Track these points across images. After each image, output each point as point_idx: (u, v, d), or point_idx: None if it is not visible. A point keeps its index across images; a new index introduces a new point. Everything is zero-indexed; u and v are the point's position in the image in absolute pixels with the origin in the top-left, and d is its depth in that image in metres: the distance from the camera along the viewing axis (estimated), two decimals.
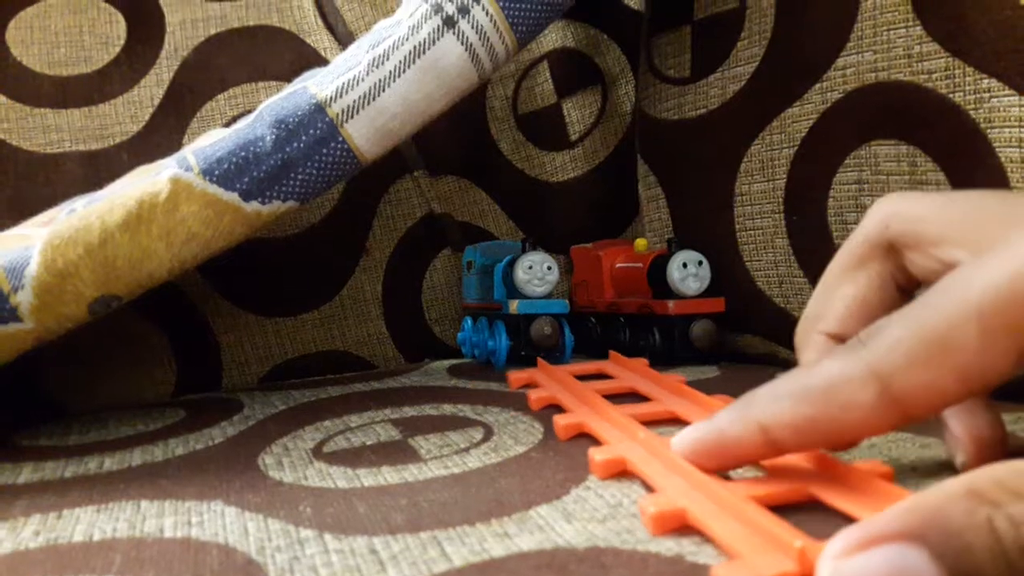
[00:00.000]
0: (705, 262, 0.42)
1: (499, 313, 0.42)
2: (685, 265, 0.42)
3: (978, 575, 0.14)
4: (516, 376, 0.37)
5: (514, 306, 0.41)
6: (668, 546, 0.20)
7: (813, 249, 0.40)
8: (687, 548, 0.20)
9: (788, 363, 0.42)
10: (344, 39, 0.49)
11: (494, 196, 0.50)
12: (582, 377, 0.35)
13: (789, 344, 0.42)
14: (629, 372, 0.36)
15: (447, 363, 0.46)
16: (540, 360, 0.39)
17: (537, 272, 0.41)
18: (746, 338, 0.44)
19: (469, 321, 0.46)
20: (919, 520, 0.15)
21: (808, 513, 0.21)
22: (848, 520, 0.21)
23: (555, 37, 0.50)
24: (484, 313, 0.44)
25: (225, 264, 0.39)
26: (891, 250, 0.23)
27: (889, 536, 0.15)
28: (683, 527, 0.21)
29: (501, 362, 0.42)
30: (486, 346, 0.43)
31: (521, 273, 0.41)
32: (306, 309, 0.47)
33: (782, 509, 0.21)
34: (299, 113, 0.32)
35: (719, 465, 0.22)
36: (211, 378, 0.45)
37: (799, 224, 0.40)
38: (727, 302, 0.42)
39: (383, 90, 0.32)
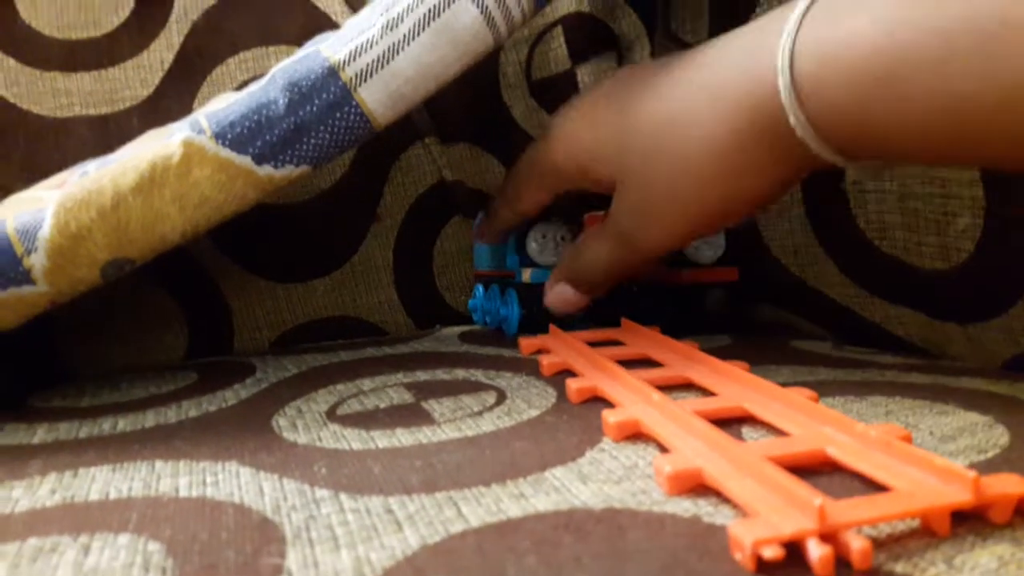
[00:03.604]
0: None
1: (511, 281, 0.42)
2: None
3: (577, 283, 0.37)
4: (528, 342, 0.37)
5: (527, 275, 0.40)
6: (685, 507, 0.20)
7: (829, 218, 0.39)
8: (704, 509, 0.20)
9: (802, 332, 0.42)
10: (355, 2, 0.48)
11: (506, 163, 0.50)
12: (594, 344, 0.35)
13: (804, 313, 0.42)
14: (641, 339, 0.36)
15: (458, 329, 0.46)
16: (552, 326, 0.38)
17: (551, 241, 0.41)
18: (760, 307, 0.44)
19: (480, 288, 0.46)
20: (561, 272, 0.38)
21: (825, 475, 0.21)
22: (865, 482, 0.21)
23: (570, 1, 0.49)
24: (496, 280, 0.44)
25: (235, 229, 0.39)
26: None
27: (554, 281, 0.38)
28: (699, 487, 0.21)
29: (513, 330, 0.42)
30: (498, 313, 0.43)
31: (534, 243, 0.40)
32: (317, 275, 0.47)
33: (798, 472, 0.20)
34: (312, 77, 0.32)
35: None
36: (222, 342, 0.45)
37: (815, 192, 0.40)
38: (741, 270, 0.42)
39: (397, 53, 0.32)
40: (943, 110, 0.23)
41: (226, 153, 0.31)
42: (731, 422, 0.26)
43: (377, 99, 0.32)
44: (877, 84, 0.24)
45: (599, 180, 0.34)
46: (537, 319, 0.40)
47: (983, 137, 0.23)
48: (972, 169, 0.33)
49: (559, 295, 0.37)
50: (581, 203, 0.41)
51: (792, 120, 0.26)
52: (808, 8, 0.26)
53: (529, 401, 0.29)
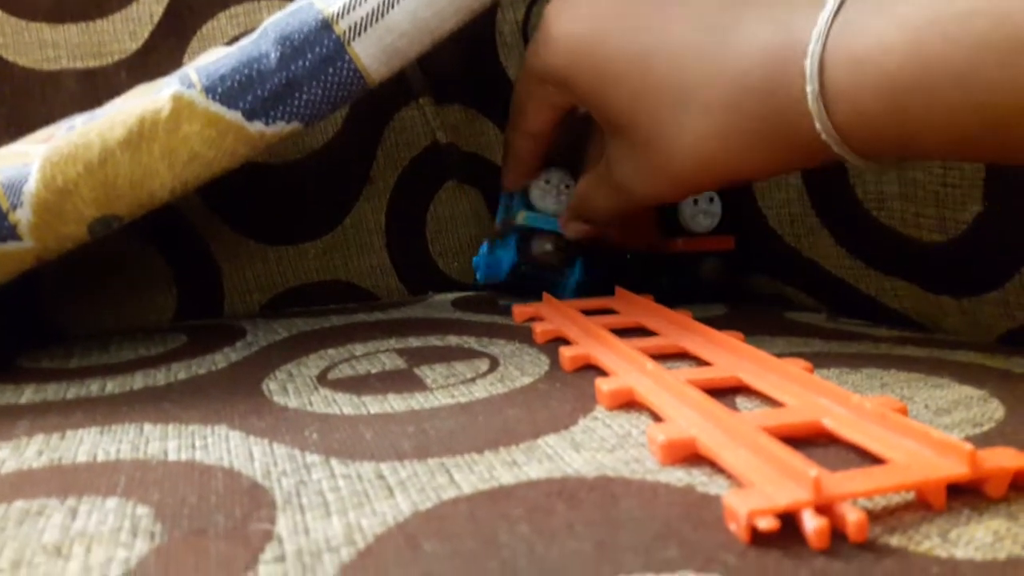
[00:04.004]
0: (716, 198, 0.41)
1: (513, 226, 0.40)
2: (696, 201, 0.41)
3: (596, 219, 0.37)
4: (521, 310, 0.37)
5: (521, 217, 0.39)
6: (678, 476, 0.20)
7: (826, 188, 0.39)
8: (698, 478, 0.20)
9: (796, 303, 0.42)
10: None
11: (501, 126, 0.49)
12: (588, 312, 0.35)
13: (799, 284, 0.42)
14: (635, 308, 0.36)
15: (451, 296, 0.46)
16: (546, 294, 0.38)
17: (553, 188, 0.39)
18: (756, 277, 0.44)
19: (486, 245, 0.43)
20: (575, 203, 0.37)
21: (820, 447, 0.21)
22: (861, 454, 0.20)
23: None
24: (505, 231, 0.42)
25: (225, 188, 0.39)
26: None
27: (568, 216, 0.38)
28: (693, 457, 0.21)
29: (503, 273, 0.40)
30: (497, 263, 0.41)
31: (537, 188, 0.39)
32: (308, 238, 0.46)
33: (793, 443, 0.20)
34: (305, 30, 0.31)
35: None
36: (213, 304, 0.45)
37: None
38: (737, 240, 0.42)
39: (392, 7, 0.31)
40: (970, 117, 0.23)
41: (216, 108, 0.30)
42: (725, 392, 0.26)
43: (371, 54, 0.31)
44: (905, 94, 0.24)
45: (600, 108, 0.32)
46: (526, 266, 0.39)
47: (1009, 139, 0.23)
48: None
49: (576, 227, 0.38)
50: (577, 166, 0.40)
51: (818, 126, 0.26)
52: (837, 9, 0.25)
53: (522, 368, 0.29)
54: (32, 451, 0.23)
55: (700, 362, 0.29)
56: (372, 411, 0.25)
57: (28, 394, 0.30)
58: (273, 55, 0.31)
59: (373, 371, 0.30)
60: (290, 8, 0.33)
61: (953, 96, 0.23)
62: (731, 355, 0.28)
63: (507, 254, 0.40)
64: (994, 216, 0.33)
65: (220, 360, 0.33)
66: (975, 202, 0.33)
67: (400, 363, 0.30)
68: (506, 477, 0.20)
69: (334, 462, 0.21)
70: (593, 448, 0.22)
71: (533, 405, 0.25)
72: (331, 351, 0.33)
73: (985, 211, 0.33)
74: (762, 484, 0.18)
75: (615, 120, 0.31)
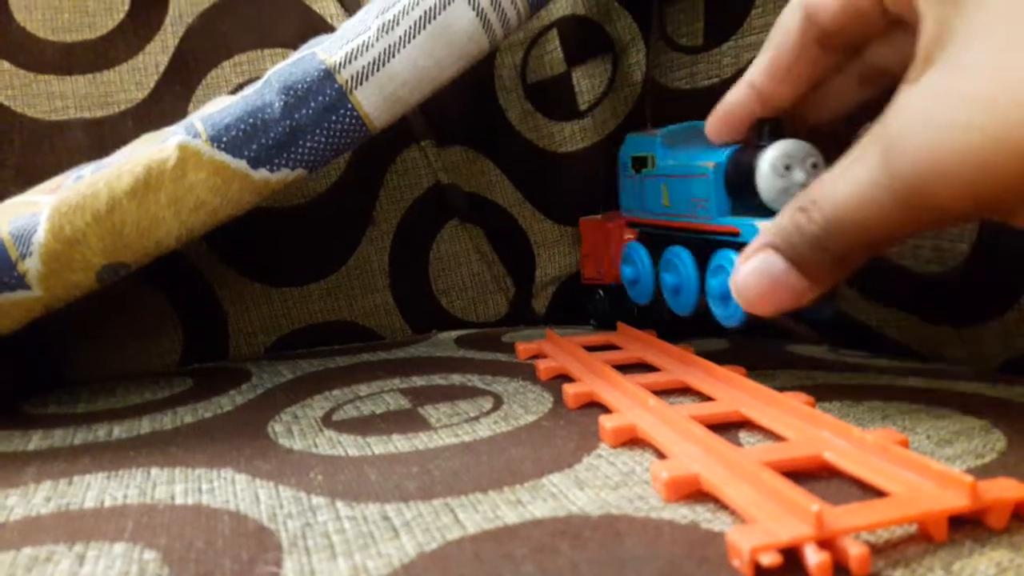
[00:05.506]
0: None
1: (725, 240, 0.27)
2: None
3: (801, 252, 0.23)
4: (524, 347, 0.37)
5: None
6: (683, 513, 0.20)
7: None
8: (702, 515, 0.20)
9: (797, 336, 0.42)
10: (351, 5, 0.48)
11: (502, 167, 0.50)
12: (590, 348, 0.35)
13: (798, 316, 0.42)
14: (638, 343, 0.36)
15: (455, 334, 0.46)
16: (548, 331, 0.38)
17: (798, 171, 0.25)
18: None
19: (642, 251, 0.31)
20: (772, 234, 0.24)
21: (822, 480, 0.21)
22: (862, 487, 0.21)
23: (565, 4, 0.49)
24: (676, 238, 0.29)
25: (230, 233, 0.39)
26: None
27: (756, 248, 0.24)
28: (697, 493, 0.21)
29: (739, 317, 0.27)
30: (693, 287, 0.29)
31: (770, 170, 0.25)
32: (312, 279, 0.47)
33: (795, 477, 0.20)
34: (308, 79, 0.32)
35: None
36: (218, 347, 0.45)
37: None
38: None
39: (393, 56, 0.32)
40: None
41: (221, 156, 0.31)
42: (728, 427, 0.26)
43: (373, 102, 0.32)
44: None
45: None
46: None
47: None
48: None
49: (759, 273, 0.24)
50: (576, 205, 0.39)
51: None
52: None
53: (526, 406, 0.29)
54: (40, 497, 0.24)
55: (702, 397, 0.29)
56: (377, 452, 0.25)
57: (35, 440, 0.30)
58: (277, 104, 0.31)
59: (378, 411, 0.30)
60: (293, 58, 0.34)
61: None
62: (733, 390, 0.28)
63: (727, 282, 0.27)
64: (992, 246, 0.33)
65: (226, 403, 0.33)
66: (972, 232, 0.33)
67: (404, 403, 0.31)
68: (510, 517, 0.20)
69: (339, 504, 0.22)
70: (597, 486, 0.22)
71: (537, 443, 0.25)
72: (336, 392, 0.33)
73: (982, 241, 0.33)
74: (765, 520, 0.18)
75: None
